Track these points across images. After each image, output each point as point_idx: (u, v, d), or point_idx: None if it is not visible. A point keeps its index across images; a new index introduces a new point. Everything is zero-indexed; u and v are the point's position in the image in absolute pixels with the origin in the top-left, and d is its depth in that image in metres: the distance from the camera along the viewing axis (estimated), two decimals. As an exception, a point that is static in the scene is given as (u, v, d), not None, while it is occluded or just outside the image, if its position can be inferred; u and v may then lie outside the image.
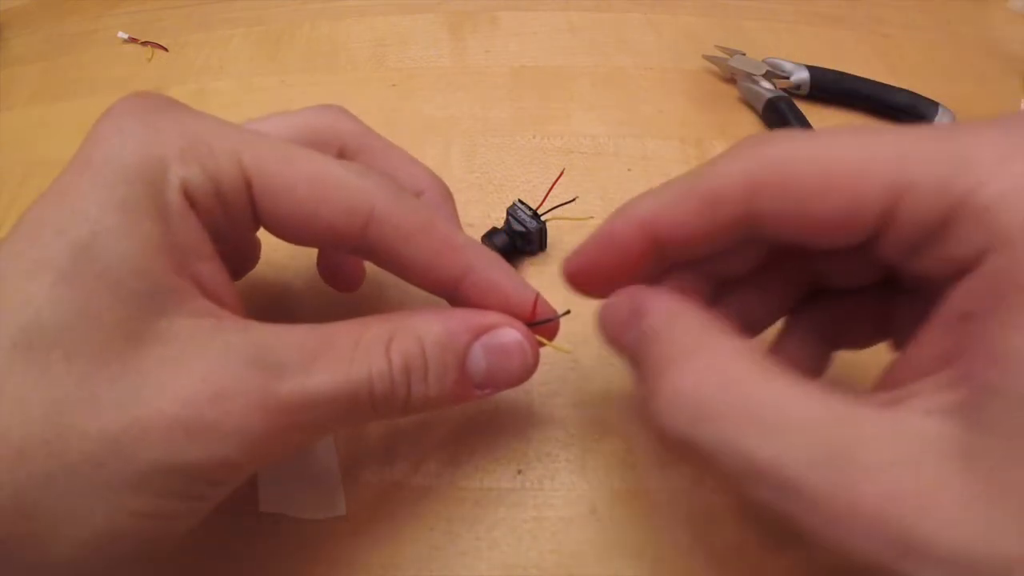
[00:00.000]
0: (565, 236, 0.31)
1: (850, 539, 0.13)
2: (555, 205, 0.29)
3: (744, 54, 0.38)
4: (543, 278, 0.30)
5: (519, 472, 0.24)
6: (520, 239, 0.29)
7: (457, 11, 0.43)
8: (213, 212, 0.17)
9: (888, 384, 0.15)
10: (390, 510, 0.24)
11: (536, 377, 0.26)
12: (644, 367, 0.16)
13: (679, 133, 0.35)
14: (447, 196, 0.23)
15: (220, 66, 0.41)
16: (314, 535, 0.23)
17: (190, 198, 0.17)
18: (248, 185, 0.17)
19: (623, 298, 0.18)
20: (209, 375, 0.15)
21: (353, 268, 0.25)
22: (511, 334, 0.19)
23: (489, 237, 0.29)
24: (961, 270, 0.13)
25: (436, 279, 0.19)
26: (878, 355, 0.19)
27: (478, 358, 0.18)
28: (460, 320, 0.18)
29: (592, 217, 0.31)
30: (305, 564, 0.23)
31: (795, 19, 0.43)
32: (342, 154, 0.22)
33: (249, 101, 0.38)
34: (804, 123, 0.34)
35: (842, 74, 0.37)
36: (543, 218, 0.28)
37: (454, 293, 0.20)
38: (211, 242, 0.18)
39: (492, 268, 0.20)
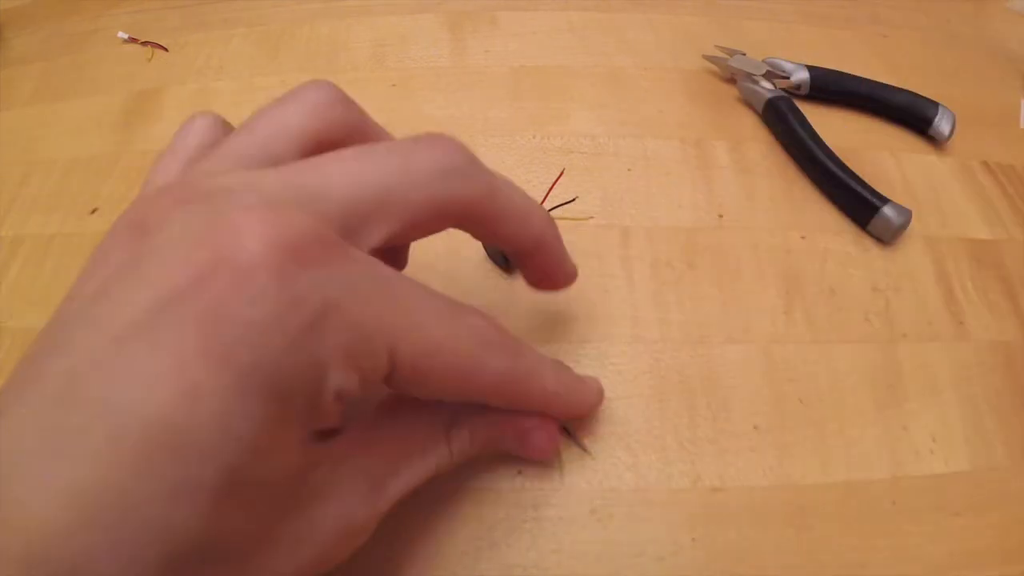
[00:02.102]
0: (565, 236, 0.31)
1: None
2: (555, 205, 0.29)
3: (744, 54, 0.38)
4: (543, 278, 0.30)
5: (519, 472, 0.24)
6: (520, 239, 0.29)
7: (457, 11, 0.43)
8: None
9: None
10: (389, 510, 0.24)
11: (536, 377, 0.26)
12: None
13: (679, 133, 0.35)
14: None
15: (220, 66, 0.41)
16: (314, 535, 0.23)
17: (339, 402, 0.15)
18: (389, 373, 0.16)
19: None
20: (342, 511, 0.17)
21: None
22: (541, 438, 0.22)
23: (489, 237, 0.29)
24: None
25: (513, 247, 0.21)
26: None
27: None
28: (509, 424, 0.22)
29: (592, 217, 0.32)
30: (305, 564, 0.23)
31: (795, 19, 0.43)
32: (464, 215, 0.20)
33: (249, 101, 0.38)
34: (804, 123, 0.34)
35: (842, 74, 0.37)
36: (543, 218, 0.28)
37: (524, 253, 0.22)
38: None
39: (556, 239, 0.22)
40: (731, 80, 0.38)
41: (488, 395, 0.20)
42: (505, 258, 0.29)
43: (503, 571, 0.22)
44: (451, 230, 0.31)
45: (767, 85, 0.36)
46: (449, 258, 0.30)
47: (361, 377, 0.15)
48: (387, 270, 0.16)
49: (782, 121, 0.34)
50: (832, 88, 0.37)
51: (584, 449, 0.25)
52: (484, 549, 0.23)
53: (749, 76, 0.37)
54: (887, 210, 0.30)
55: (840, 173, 0.32)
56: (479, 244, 0.30)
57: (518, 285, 0.29)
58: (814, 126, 0.34)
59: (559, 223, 0.30)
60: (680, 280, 0.30)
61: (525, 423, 0.22)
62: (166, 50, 0.42)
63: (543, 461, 0.24)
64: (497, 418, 0.21)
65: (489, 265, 0.30)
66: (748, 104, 0.37)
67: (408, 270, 0.30)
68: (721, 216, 0.32)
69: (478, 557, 0.23)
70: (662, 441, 0.25)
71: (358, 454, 0.18)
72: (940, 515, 0.24)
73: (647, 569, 0.22)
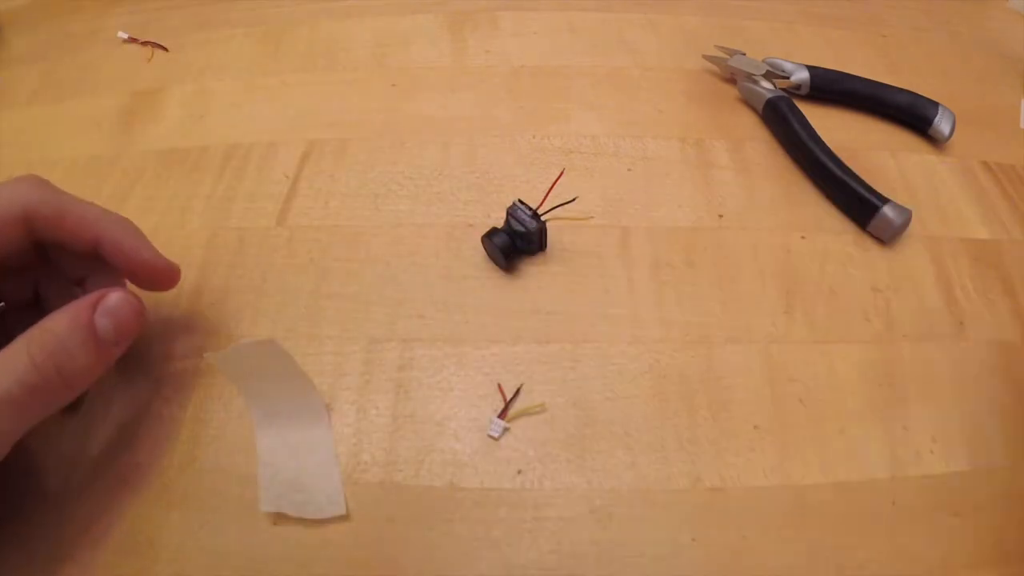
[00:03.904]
0: (565, 236, 0.31)
1: None
2: (555, 205, 0.29)
3: (744, 54, 0.38)
4: (543, 277, 0.30)
5: (519, 472, 0.24)
6: (520, 239, 0.29)
7: (457, 11, 0.43)
8: None
9: None
10: (390, 510, 0.24)
11: (536, 377, 0.27)
12: None
13: (679, 133, 0.35)
14: (135, 227, 0.26)
15: (220, 66, 0.41)
16: (314, 535, 0.23)
17: None
18: None
19: None
20: None
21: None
22: (116, 294, 0.23)
23: (489, 237, 0.29)
24: None
25: (83, 244, 0.24)
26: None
27: (103, 322, 0.22)
28: (79, 302, 0.23)
29: (592, 217, 0.32)
30: (305, 564, 0.23)
31: (795, 19, 0.43)
32: (28, 219, 0.24)
33: (249, 101, 0.38)
34: (804, 123, 0.34)
35: (842, 74, 0.37)
36: (543, 218, 0.29)
37: (98, 254, 0.25)
38: None
39: (120, 233, 0.25)
40: (731, 80, 0.38)
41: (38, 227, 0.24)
42: (505, 258, 0.29)
43: (503, 571, 0.22)
44: (451, 231, 0.31)
45: (767, 85, 0.36)
46: (449, 257, 0.30)
47: None
48: None
49: (782, 121, 0.34)
50: (832, 88, 0.37)
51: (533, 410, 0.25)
52: (484, 549, 0.23)
53: (749, 76, 0.37)
54: (887, 210, 0.30)
55: (840, 173, 0.32)
56: (479, 244, 0.30)
57: (518, 285, 0.29)
58: (814, 126, 0.34)
59: (559, 223, 0.31)
60: (680, 280, 0.30)
61: (97, 294, 0.23)
62: (166, 50, 0.42)
63: (137, 325, 0.24)
64: (73, 303, 0.23)
65: (489, 265, 0.30)
66: (748, 104, 0.37)
67: (408, 269, 0.30)
68: (721, 216, 0.32)
69: (478, 557, 0.23)
70: (662, 441, 0.25)
71: None
72: (940, 515, 0.24)
73: (647, 569, 0.22)
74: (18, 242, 0.24)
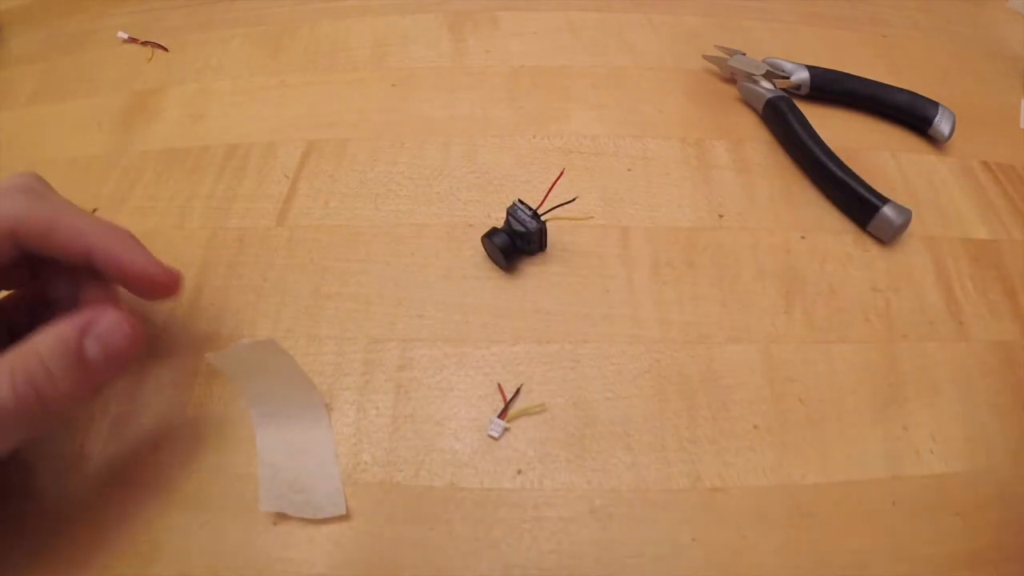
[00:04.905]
0: (565, 236, 0.31)
1: None
2: (555, 205, 0.29)
3: (744, 54, 0.38)
4: (543, 277, 0.30)
5: (519, 472, 0.24)
6: (520, 239, 0.29)
7: (457, 11, 0.43)
8: None
9: None
10: (390, 510, 0.24)
11: (536, 377, 0.27)
12: None
13: (679, 133, 0.35)
14: (128, 235, 0.25)
15: (220, 66, 0.41)
16: (314, 535, 0.23)
17: None
18: None
19: None
20: None
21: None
22: (109, 317, 0.22)
23: (489, 237, 0.29)
24: None
25: (74, 257, 0.23)
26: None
27: (92, 347, 0.21)
28: (67, 323, 0.21)
29: (592, 217, 0.32)
30: (305, 564, 0.23)
31: (795, 19, 0.43)
32: (15, 234, 0.23)
33: (249, 101, 0.38)
34: (804, 123, 0.34)
35: (842, 74, 0.37)
36: (543, 218, 0.29)
37: (91, 265, 0.23)
38: None
39: (112, 244, 0.23)
40: (731, 80, 0.38)
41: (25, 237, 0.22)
42: (505, 258, 0.29)
43: (503, 571, 0.22)
44: (451, 231, 0.31)
45: (767, 85, 0.36)
46: (449, 257, 0.30)
47: None
48: None
49: (782, 121, 0.34)
50: (832, 88, 0.37)
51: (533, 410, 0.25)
52: (484, 549, 0.23)
53: (749, 76, 0.37)
54: (887, 210, 0.30)
55: (840, 173, 0.32)
56: (479, 244, 0.30)
57: (518, 285, 0.29)
58: (814, 126, 0.34)
59: (559, 223, 0.31)
60: (680, 280, 0.30)
61: (87, 315, 0.22)
62: (166, 50, 0.42)
63: (133, 351, 0.22)
64: (59, 323, 0.21)
65: (489, 265, 0.30)
66: (748, 104, 0.37)
67: (408, 269, 0.30)
68: (721, 216, 0.32)
69: (478, 557, 0.23)
70: (662, 441, 0.25)
71: None
72: (940, 515, 0.24)
73: (647, 569, 0.22)
74: (5, 257, 0.22)
